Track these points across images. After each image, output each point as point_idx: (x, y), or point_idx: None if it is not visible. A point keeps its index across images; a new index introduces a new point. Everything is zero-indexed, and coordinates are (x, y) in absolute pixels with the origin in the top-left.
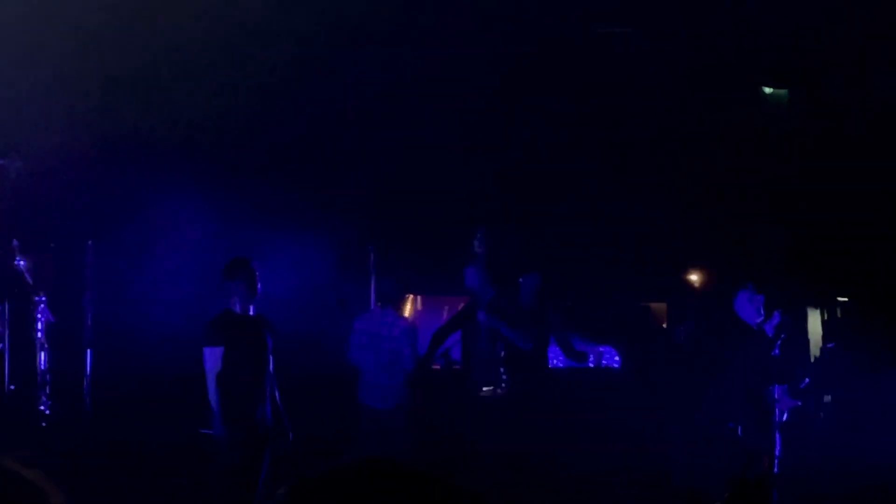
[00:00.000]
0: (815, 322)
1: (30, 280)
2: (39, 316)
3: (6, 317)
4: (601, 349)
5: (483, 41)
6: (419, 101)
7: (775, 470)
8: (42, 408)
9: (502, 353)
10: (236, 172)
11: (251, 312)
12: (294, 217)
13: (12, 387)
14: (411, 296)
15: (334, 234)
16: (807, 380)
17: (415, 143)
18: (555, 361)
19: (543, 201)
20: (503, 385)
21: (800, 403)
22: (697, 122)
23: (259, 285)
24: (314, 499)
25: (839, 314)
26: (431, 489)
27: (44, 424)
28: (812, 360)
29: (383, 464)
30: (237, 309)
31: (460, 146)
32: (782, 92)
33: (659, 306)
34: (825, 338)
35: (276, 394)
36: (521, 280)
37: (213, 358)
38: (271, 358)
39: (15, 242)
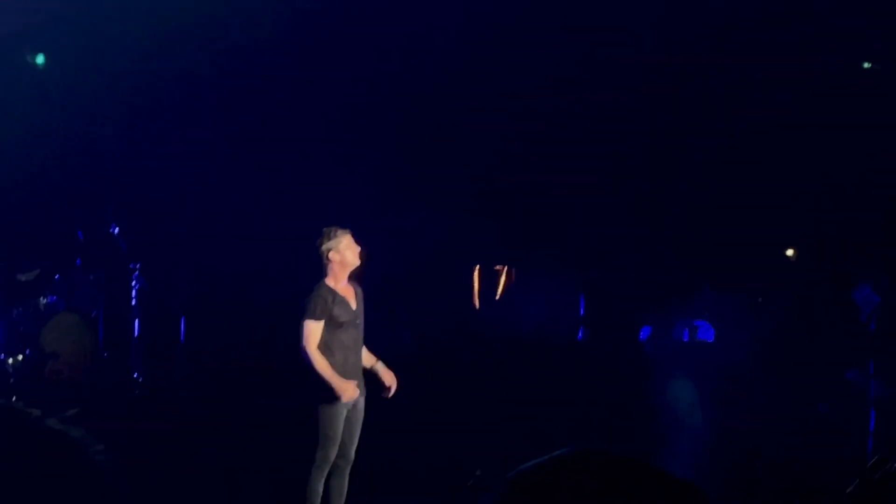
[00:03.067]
0: None
1: (124, 247)
2: (134, 283)
3: (101, 284)
4: (696, 323)
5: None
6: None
7: (869, 448)
8: (135, 375)
9: None
10: (334, 145)
11: (345, 283)
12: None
13: (106, 354)
14: (504, 268)
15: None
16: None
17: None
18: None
19: (656, 178)
20: None
21: (888, 392)
22: (797, 97)
23: (358, 257)
24: (532, 489)
25: None
26: (645, 478)
27: (136, 392)
28: None
29: (597, 454)
30: (333, 280)
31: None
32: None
33: None
34: None
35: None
36: None
37: (313, 331)
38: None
39: (110, 210)
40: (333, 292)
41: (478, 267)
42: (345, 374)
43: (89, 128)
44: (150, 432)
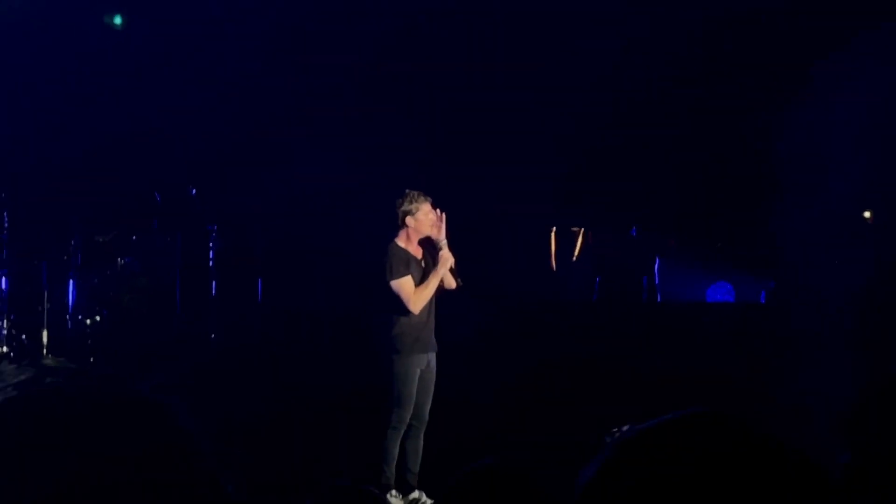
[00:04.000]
0: None
1: (201, 209)
2: (211, 244)
3: (178, 245)
4: (771, 285)
5: None
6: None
7: None
8: (212, 336)
9: None
10: (408, 106)
11: (415, 245)
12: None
13: (183, 315)
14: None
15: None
16: None
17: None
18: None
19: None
20: None
21: None
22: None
23: (432, 229)
24: (646, 450)
25: None
26: (762, 444)
27: (213, 351)
28: None
29: (714, 416)
30: (404, 241)
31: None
32: None
33: None
34: None
35: None
36: None
37: (404, 287)
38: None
39: (187, 171)
40: (405, 252)
41: (554, 228)
42: (418, 334)
43: (167, 89)
44: (226, 392)
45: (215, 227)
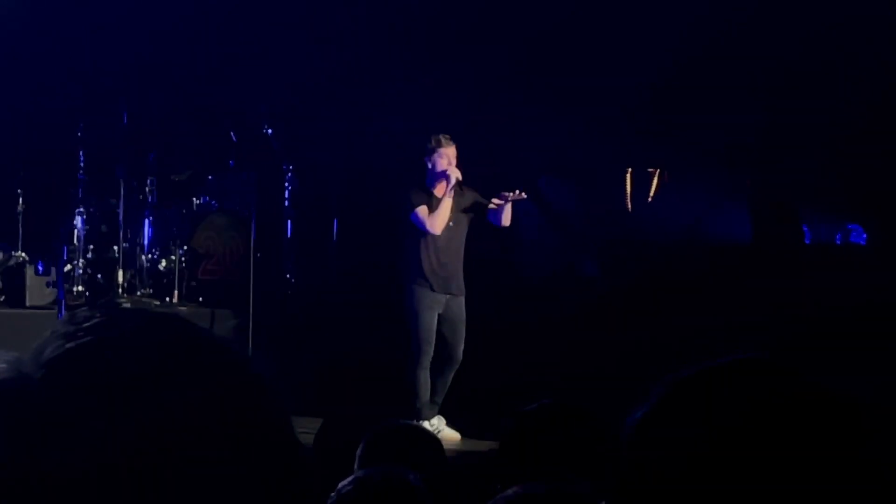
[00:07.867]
0: None
1: (277, 148)
2: (287, 184)
3: (254, 185)
4: (849, 226)
5: None
6: None
7: None
8: (288, 276)
9: None
10: (480, 42)
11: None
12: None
13: (258, 254)
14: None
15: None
16: None
17: None
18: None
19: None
20: None
21: None
22: None
23: (448, 170)
24: (688, 398)
25: None
26: (807, 391)
27: (289, 292)
28: None
29: (766, 365)
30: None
31: None
32: None
33: None
34: None
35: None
36: None
37: (418, 219)
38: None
39: (264, 109)
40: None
41: (630, 169)
42: (432, 269)
43: (245, 27)
44: (301, 332)
45: (291, 167)
